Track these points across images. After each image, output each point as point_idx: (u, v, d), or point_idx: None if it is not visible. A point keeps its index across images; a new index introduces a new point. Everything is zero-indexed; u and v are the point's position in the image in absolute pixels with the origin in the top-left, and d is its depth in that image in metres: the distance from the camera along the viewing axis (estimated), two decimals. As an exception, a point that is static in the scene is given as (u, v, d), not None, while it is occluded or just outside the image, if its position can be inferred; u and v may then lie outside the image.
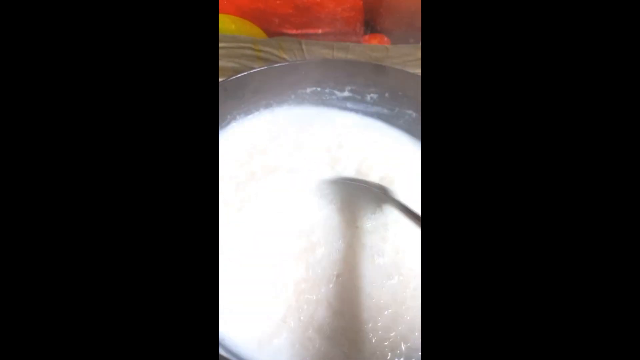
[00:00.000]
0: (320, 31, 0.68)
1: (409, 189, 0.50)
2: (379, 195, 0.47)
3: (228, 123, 0.56)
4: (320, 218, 0.49)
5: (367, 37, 0.72)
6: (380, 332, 0.42)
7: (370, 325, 0.42)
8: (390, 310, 0.43)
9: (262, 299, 0.42)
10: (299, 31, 0.67)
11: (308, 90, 0.58)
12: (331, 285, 0.44)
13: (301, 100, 0.59)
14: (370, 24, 0.71)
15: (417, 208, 0.40)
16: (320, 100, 0.60)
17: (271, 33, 0.67)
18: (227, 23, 0.65)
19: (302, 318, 0.42)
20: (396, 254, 0.47)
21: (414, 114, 0.58)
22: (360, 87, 0.58)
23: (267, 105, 0.58)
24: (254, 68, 0.55)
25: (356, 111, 0.61)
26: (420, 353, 0.40)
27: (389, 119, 0.60)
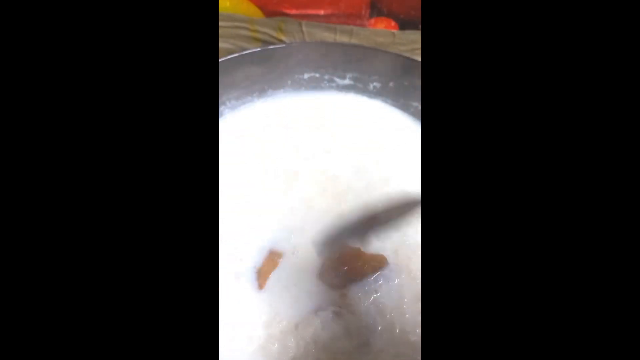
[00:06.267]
0: (322, 12, 0.62)
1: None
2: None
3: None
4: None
5: (372, 20, 0.64)
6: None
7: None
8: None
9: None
10: (300, 11, 0.61)
11: (306, 76, 0.54)
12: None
13: (298, 86, 0.54)
14: (377, 7, 0.65)
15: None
16: (319, 87, 0.55)
17: (269, 12, 0.62)
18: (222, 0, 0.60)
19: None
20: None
21: (420, 106, 0.54)
22: (363, 74, 0.54)
23: (261, 91, 0.54)
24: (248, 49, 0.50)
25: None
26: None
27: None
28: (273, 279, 0.41)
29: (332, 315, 0.40)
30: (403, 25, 0.67)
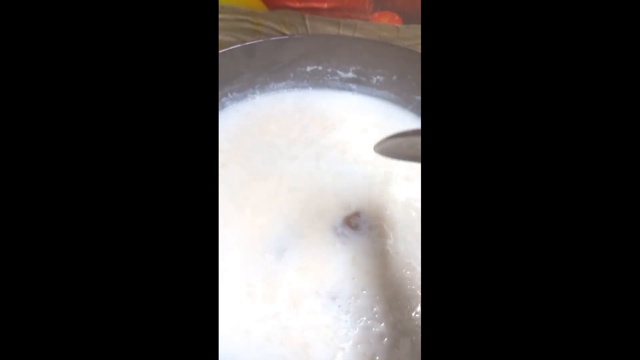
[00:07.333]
0: (325, 6, 0.61)
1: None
2: None
3: (219, 100, 0.52)
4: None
5: (376, 14, 0.65)
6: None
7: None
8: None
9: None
10: (303, 4, 0.61)
11: (308, 69, 0.53)
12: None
13: (300, 79, 0.54)
14: (381, 1, 0.66)
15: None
16: (322, 81, 0.55)
17: (272, 5, 0.61)
18: (224, -8, 0.59)
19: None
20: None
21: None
22: (366, 67, 0.53)
23: (263, 84, 0.53)
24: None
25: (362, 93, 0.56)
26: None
27: (397, 104, 0.55)
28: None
29: None
30: (407, 20, 0.66)
